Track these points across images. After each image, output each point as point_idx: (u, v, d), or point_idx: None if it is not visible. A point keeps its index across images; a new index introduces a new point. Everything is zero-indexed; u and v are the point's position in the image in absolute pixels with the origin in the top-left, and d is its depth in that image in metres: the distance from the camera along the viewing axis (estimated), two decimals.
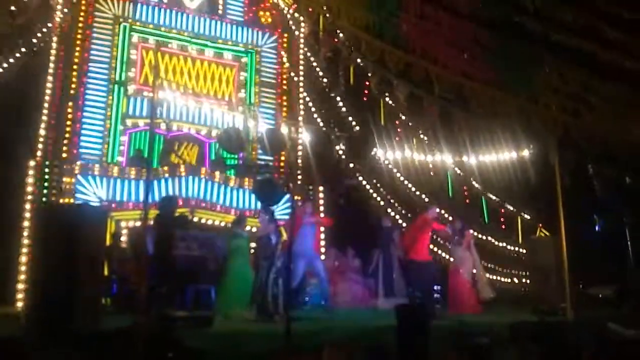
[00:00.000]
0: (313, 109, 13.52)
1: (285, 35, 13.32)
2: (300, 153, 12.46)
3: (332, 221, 10.51)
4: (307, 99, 13.34)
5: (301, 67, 13.23)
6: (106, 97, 11.19)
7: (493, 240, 13.55)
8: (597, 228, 9.54)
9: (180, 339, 5.51)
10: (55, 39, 11.17)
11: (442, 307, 9.21)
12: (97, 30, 11.39)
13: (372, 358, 5.39)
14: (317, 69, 13.59)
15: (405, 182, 14.13)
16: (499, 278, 13.24)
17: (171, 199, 8.59)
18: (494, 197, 14.06)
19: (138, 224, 9.71)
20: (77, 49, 11.16)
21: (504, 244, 13.79)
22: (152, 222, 7.73)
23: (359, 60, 12.31)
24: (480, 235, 12.96)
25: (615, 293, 9.69)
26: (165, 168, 10.58)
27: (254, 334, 6.56)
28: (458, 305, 9.58)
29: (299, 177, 11.97)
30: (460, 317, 8.59)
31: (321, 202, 11.84)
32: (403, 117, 13.77)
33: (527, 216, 13.76)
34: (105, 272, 8.29)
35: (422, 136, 14.16)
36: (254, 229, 9.78)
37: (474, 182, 14.12)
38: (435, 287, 9.18)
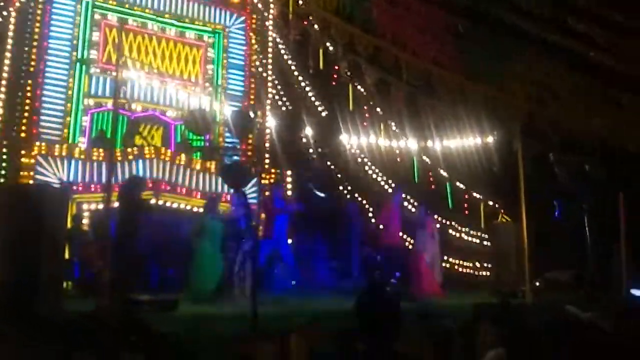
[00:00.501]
0: (281, 92, 13.41)
1: (254, 16, 13.11)
2: (268, 136, 12.37)
3: (300, 207, 10.50)
4: (276, 81, 13.21)
5: (269, 50, 13.07)
6: (67, 76, 10.85)
7: (456, 228, 13.75)
8: (557, 214, 9.84)
9: (144, 322, 5.44)
10: (13, 13, 10.72)
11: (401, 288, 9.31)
12: (57, 5, 10.99)
13: (339, 341, 5.44)
14: (285, 52, 13.44)
15: (371, 167, 14.19)
16: (461, 262, 13.48)
17: (137, 180, 8.41)
18: (458, 184, 14.27)
19: (100, 206, 9.50)
20: (37, 24, 10.74)
21: (466, 231, 14.02)
22: (116, 203, 7.57)
23: (328, 44, 12.23)
24: (444, 221, 13.15)
25: (573, 277, 10.02)
26: (129, 150, 10.35)
27: (220, 317, 6.53)
28: (420, 289, 9.74)
29: (267, 160, 11.90)
30: (423, 300, 8.76)
31: (289, 186, 11.82)
32: (371, 103, 13.78)
33: (490, 202, 14.04)
34: (67, 255, 8.10)
35: (389, 122, 14.22)
36: (223, 212, 9.70)
37: (439, 168, 14.29)
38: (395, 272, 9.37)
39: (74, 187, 9.77)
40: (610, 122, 9.91)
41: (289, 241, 10.37)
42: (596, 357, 4.89)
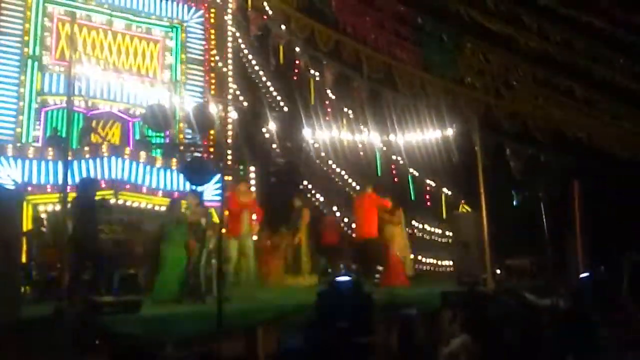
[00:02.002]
0: (242, 87, 13.29)
1: (212, 10, 12.92)
2: (230, 132, 12.25)
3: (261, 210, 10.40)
4: (236, 76, 13.07)
5: (229, 44, 12.93)
6: (19, 73, 10.50)
7: (418, 225, 13.92)
8: (515, 203, 10.10)
9: (107, 325, 5.32)
10: None
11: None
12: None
13: (304, 336, 5.45)
14: (245, 46, 13.32)
15: (334, 161, 14.23)
16: (425, 256, 13.65)
17: (90, 182, 8.20)
18: (419, 175, 14.44)
19: (58, 207, 9.22)
20: None
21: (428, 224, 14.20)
22: (69, 206, 7.35)
23: (288, 38, 12.17)
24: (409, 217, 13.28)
25: (531, 265, 10.30)
26: (86, 148, 10.08)
27: (185, 317, 6.44)
28: (389, 279, 9.86)
29: (229, 156, 11.77)
30: (391, 290, 8.86)
31: (253, 182, 11.72)
32: (332, 97, 13.79)
33: (450, 193, 14.27)
34: (24, 259, 7.83)
35: (351, 116, 14.27)
36: (185, 212, 9.56)
37: (401, 161, 14.44)
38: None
39: (29, 188, 9.46)
40: (565, 114, 10.22)
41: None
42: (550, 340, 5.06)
